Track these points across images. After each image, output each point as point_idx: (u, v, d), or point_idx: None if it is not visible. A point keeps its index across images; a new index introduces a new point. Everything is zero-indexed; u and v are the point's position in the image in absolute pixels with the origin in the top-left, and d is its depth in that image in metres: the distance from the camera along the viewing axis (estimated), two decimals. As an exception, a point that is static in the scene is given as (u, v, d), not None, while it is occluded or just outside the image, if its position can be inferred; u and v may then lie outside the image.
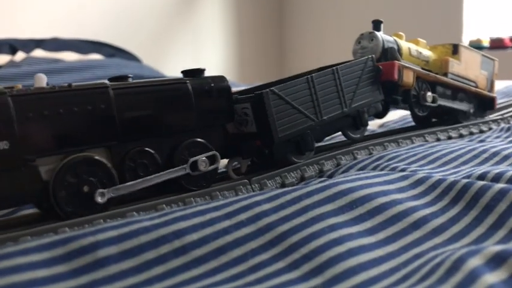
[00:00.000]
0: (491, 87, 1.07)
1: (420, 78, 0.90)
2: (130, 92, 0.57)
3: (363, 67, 0.78)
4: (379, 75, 0.81)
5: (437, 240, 0.48)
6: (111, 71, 1.92)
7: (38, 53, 2.02)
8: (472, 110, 1.01)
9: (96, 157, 0.53)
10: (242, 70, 3.26)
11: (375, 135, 0.91)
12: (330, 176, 0.69)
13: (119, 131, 0.55)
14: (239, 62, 3.31)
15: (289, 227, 0.48)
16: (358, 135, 0.81)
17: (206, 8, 3.13)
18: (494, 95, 1.07)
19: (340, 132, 0.80)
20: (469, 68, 1.00)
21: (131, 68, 2.05)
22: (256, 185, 0.64)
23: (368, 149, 0.79)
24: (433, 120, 1.02)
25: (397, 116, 1.19)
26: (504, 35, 2.59)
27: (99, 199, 0.52)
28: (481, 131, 0.98)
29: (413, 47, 0.93)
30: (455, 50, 0.98)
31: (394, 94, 0.86)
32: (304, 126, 0.69)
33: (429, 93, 0.90)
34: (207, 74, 0.65)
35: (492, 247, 0.39)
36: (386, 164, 0.69)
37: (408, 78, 0.86)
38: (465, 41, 2.60)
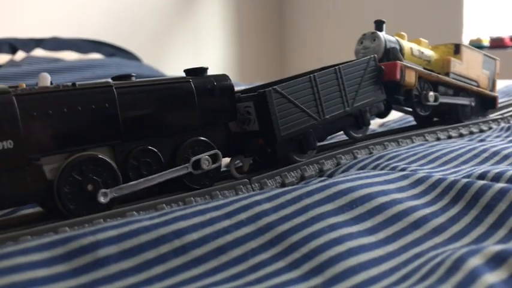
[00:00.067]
0: (492, 86, 1.07)
1: (422, 78, 0.90)
2: (134, 91, 0.57)
3: (365, 67, 0.78)
4: (382, 75, 0.81)
5: (437, 239, 0.48)
6: (111, 71, 1.92)
7: (38, 52, 2.02)
8: (473, 103, 1.00)
9: (100, 156, 0.53)
10: (242, 70, 3.26)
11: (375, 135, 0.91)
12: (330, 176, 0.69)
13: (122, 130, 0.55)
14: (239, 61, 3.31)
15: (289, 227, 0.48)
16: (360, 135, 0.81)
17: (206, 7, 3.13)
18: (496, 94, 1.07)
19: (340, 132, 0.81)
20: (470, 67, 1.01)
21: (131, 68, 2.05)
22: (256, 184, 0.64)
23: (368, 148, 0.79)
24: (435, 119, 1.02)
25: (397, 115, 1.19)
26: (504, 34, 2.58)
27: (102, 199, 0.52)
28: (481, 131, 0.98)
29: (415, 47, 0.93)
30: (457, 49, 0.99)
31: (396, 94, 0.86)
32: (306, 125, 0.69)
33: (431, 93, 0.90)
34: (208, 73, 0.65)
35: (492, 247, 0.39)
36: (386, 163, 0.69)
37: (410, 78, 0.86)
38: (465, 40, 2.60)
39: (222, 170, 0.66)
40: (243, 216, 0.48)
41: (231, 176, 0.66)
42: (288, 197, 0.52)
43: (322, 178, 0.66)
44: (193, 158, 0.60)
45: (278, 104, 0.65)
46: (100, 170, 0.53)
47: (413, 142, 0.85)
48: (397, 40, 0.90)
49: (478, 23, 2.70)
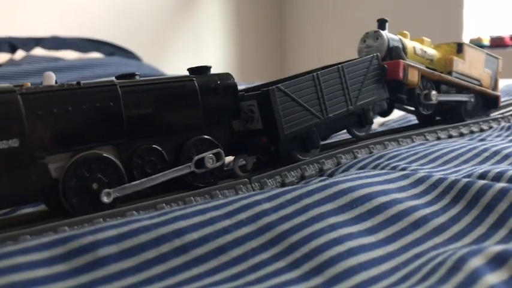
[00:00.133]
0: (495, 85, 1.07)
1: (425, 77, 0.90)
2: (138, 90, 0.57)
3: (368, 65, 0.79)
4: (384, 74, 0.81)
5: (437, 239, 0.48)
6: (110, 70, 1.92)
7: (38, 51, 2.01)
8: (472, 99, 1.00)
9: (105, 155, 0.54)
10: (242, 69, 3.26)
11: (376, 134, 0.91)
12: (330, 175, 0.69)
13: (126, 129, 0.55)
14: (239, 61, 3.30)
15: (289, 226, 0.48)
16: (363, 133, 0.81)
17: (206, 6, 3.13)
18: (498, 93, 1.07)
19: (340, 131, 0.80)
20: (473, 66, 1.01)
21: (131, 67, 2.05)
22: (256, 184, 0.64)
23: (368, 148, 0.79)
24: (437, 118, 1.02)
25: (398, 115, 1.19)
26: (504, 33, 2.58)
27: (105, 199, 0.53)
28: (482, 130, 0.97)
29: (418, 46, 0.93)
30: (459, 48, 0.99)
31: (399, 93, 0.86)
32: (309, 123, 0.69)
33: (434, 92, 0.90)
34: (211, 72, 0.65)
35: (493, 247, 0.39)
36: (386, 163, 0.69)
37: (413, 77, 0.86)
38: (465, 39, 2.60)
39: (225, 168, 0.66)
40: (243, 216, 0.48)
41: (234, 174, 0.67)
42: (288, 196, 0.52)
43: (323, 178, 0.66)
44: (196, 157, 0.60)
45: (281, 102, 0.65)
46: (105, 169, 0.53)
47: (413, 141, 0.85)
48: (400, 39, 0.90)
49: (478, 22, 2.70)
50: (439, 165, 0.70)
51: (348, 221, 0.49)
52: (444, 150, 0.75)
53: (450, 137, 0.91)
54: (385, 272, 0.42)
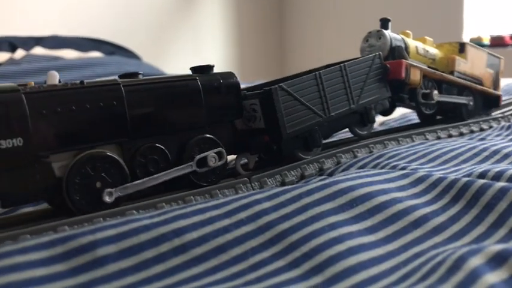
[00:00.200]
0: (496, 85, 1.07)
1: (427, 77, 0.90)
2: (141, 89, 0.57)
3: (370, 64, 0.79)
4: (387, 73, 0.82)
5: (437, 239, 0.48)
6: (110, 69, 1.92)
7: (38, 50, 2.01)
8: (471, 103, 1.00)
9: (109, 153, 0.54)
10: (242, 69, 3.25)
11: (376, 133, 0.91)
12: (330, 174, 0.69)
13: (130, 128, 0.55)
14: (239, 61, 3.30)
15: (289, 226, 0.47)
16: (365, 132, 0.81)
17: (206, 6, 3.12)
18: (500, 92, 1.07)
19: (342, 130, 0.81)
20: (475, 66, 1.01)
21: (131, 66, 2.05)
22: (256, 183, 0.64)
23: (368, 147, 0.79)
24: (438, 117, 1.02)
25: (398, 114, 1.19)
26: (504, 32, 2.58)
27: (107, 198, 0.53)
28: (482, 129, 0.97)
29: (420, 46, 0.93)
30: (461, 48, 0.99)
31: (400, 92, 0.86)
32: (312, 122, 0.69)
33: (435, 92, 0.90)
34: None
35: (493, 246, 0.39)
36: (386, 162, 0.69)
37: (415, 76, 0.86)
38: (466, 39, 2.60)
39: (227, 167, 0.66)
40: (243, 215, 0.48)
41: (237, 173, 0.67)
42: (288, 195, 0.52)
43: (322, 177, 0.66)
44: (198, 157, 0.60)
45: (284, 101, 0.65)
46: (108, 168, 0.53)
47: (413, 141, 0.85)
48: (403, 38, 0.90)
49: (479, 21, 2.70)
50: (439, 165, 0.70)
51: (348, 220, 0.49)
52: (444, 150, 0.74)
53: (450, 136, 0.91)
54: (385, 271, 0.42)
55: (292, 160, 0.69)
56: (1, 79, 1.60)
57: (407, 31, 0.94)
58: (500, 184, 0.54)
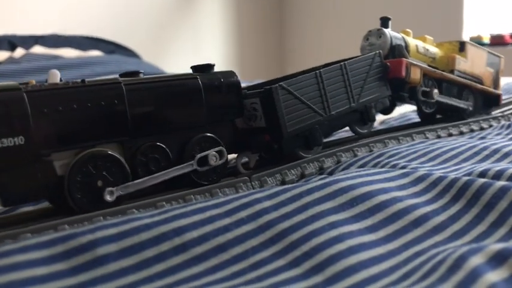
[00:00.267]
0: (497, 83, 1.07)
1: (427, 76, 0.90)
2: (142, 88, 0.57)
3: (370, 62, 0.79)
4: (387, 72, 0.82)
5: (438, 238, 0.48)
6: (110, 68, 1.92)
7: (37, 49, 2.01)
8: (471, 108, 1.00)
9: (110, 152, 0.54)
10: (242, 69, 3.25)
11: (376, 132, 0.91)
12: (330, 173, 0.69)
13: (131, 126, 0.55)
14: (239, 60, 3.30)
15: (289, 225, 0.47)
16: (366, 130, 0.81)
17: (206, 5, 3.12)
18: (500, 91, 1.07)
19: (343, 128, 0.81)
20: (475, 65, 1.01)
21: (131, 65, 2.05)
22: (256, 182, 0.64)
23: (368, 146, 0.79)
24: (438, 116, 1.02)
25: (398, 113, 1.19)
26: (504, 31, 2.58)
27: (108, 197, 0.53)
28: (482, 128, 0.97)
29: (420, 44, 0.93)
30: (461, 47, 0.99)
31: (401, 91, 0.86)
32: (312, 121, 0.69)
33: (436, 91, 0.90)
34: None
35: (493, 245, 0.39)
36: (386, 161, 0.69)
37: (415, 75, 0.86)
38: (466, 37, 2.59)
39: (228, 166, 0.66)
40: (243, 214, 0.48)
41: (237, 172, 0.67)
42: (289, 194, 0.52)
43: (323, 176, 0.66)
44: (198, 156, 0.60)
45: (284, 100, 0.65)
46: (110, 166, 0.54)
47: (413, 140, 0.85)
48: (403, 37, 0.90)
49: (478, 20, 2.69)
50: (439, 164, 0.70)
51: (348, 219, 0.49)
52: (444, 149, 0.74)
53: (450, 135, 0.91)
54: (385, 270, 0.42)
55: (293, 159, 0.69)
56: (0, 78, 1.60)
57: (408, 30, 0.94)
58: (501, 183, 0.54)
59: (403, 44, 0.89)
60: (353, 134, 0.84)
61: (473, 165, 0.67)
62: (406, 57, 0.86)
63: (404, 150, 0.74)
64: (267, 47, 3.48)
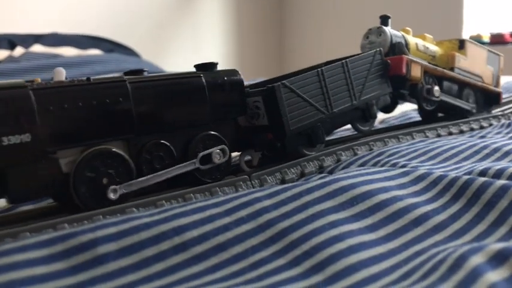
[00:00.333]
0: (497, 82, 1.07)
1: (427, 73, 0.90)
2: (147, 86, 0.57)
3: (371, 60, 0.79)
4: (387, 69, 0.82)
5: (438, 237, 0.48)
6: (110, 66, 1.92)
7: (37, 48, 2.01)
8: (474, 110, 1.01)
9: (115, 150, 0.54)
10: (242, 68, 3.23)
11: (376, 131, 0.91)
12: (330, 172, 0.69)
13: (136, 124, 0.56)
14: (238, 59, 3.30)
15: (289, 224, 0.47)
16: (367, 128, 0.82)
17: (206, 4, 3.12)
18: (500, 90, 1.08)
19: (344, 126, 0.81)
20: (475, 63, 1.01)
21: (130, 63, 2.04)
22: (256, 181, 0.64)
23: (368, 144, 0.79)
24: (440, 115, 1.02)
25: (398, 112, 1.19)
26: (504, 30, 2.58)
27: (112, 195, 0.53)
28: (482, 127, 0.97)
29: (420, 42, 0.93)
30: (461, 45, 0.99)
31: (402, 88, 0.86)
32: (315, 118, 0.69)
33: (436, 88, 0.91)
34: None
35: (494, 245, 0.39)
36: (386, 160, 0.69)
37: (416, 72, 0.86)
38: (465, 36, 2.59)
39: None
40: (243, 213, 0.48)
41: (241, 169, 0.67)
42: (289, 193, 0.52)
43: (323, 175, 0.66)
44: (201, 154, 0.60)
45: (287, 98, 0.65)
46: (115, 164, 0.54)
47: (413, 138, 0.85)
48: (403, 35, 0.90)
49: (478, 19, 2.69)
50: (439, 162, 0.70)
51: (349, 218, 0.49)
52: (444, 147, 0.74)
53: (450, 134, 0.91)
54: (386, 270, 0.42)
55: (296, 157, 0.69)
56: (0, 77, 1.59)
57: (407, 28, 0.94)
58: (501, 182, 0.54)
59: (403, 41, 0.89)
60: (353, 133, 0.83)
61: (474, 164, 0.67)
62: (406, 55, 0.86)
63: (404, 149, 0.74)
64: (267, 47, 3.48)
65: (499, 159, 0.71)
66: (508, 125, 0.96)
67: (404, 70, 0.84)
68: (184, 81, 0.61)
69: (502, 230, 0.48)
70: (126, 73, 0.59)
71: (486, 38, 2.54)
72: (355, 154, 0.75)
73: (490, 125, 0.99)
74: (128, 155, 0.55)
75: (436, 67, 0.92)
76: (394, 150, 0.73)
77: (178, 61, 2.81)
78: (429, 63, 0.93)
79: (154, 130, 0.58)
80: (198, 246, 0.44)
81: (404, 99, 0.91)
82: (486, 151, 0.73)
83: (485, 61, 1.04)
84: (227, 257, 0.44)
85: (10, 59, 1.90)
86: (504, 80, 1.48)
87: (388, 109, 0.92)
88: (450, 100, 0.95)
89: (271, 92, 0.64)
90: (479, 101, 1.03)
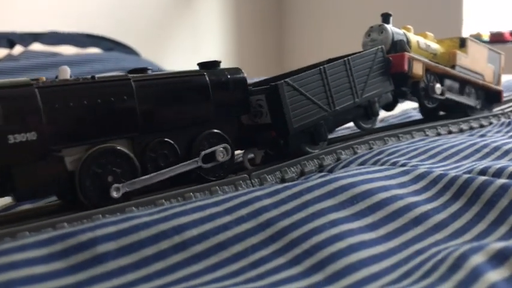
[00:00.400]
0: (498, 80, 1.07)
1: (429, 70, 0.90)
2: (151, 84, 0.58)
3: (373, 58, 0.79)
4: (389, 66, 0.82)
5: (438, 236, 0.48)
6: (109, 65, 1.91)
7: (36, 46, 2.01)
8: (478, 106, 1.01)
9: (120, 148, 0.54)
10: (241, 67, 3.24)
11: (376, 130, 0.91)
12: (330, 171, 0.69)
13: (140, 122, 0.56)
14: (238, 58, 3.29)
15: (289, 223, 0.47)
16: (369, 125, 0.82)
17: (205, 2, 3.11)
18: (501, 88, 1.07)
19: (347, 123, 0.81)
20: (476, 61, 1.01)
21: (130, 62, 2.04)
22: (256, 179, 0.64)
23: (368, 143, 0.78)
24: (442, 113, 1.02)
25: (398, 110, 1.19)
26: (504, 29, 2.58)
27: (115, 194, 0.53)
28: (481, 126, 0.97)
29: (421, 40, 0.93)
30: (462, 43, 0.99)
31: (403, 86, 0.86)
32: (317, 116, 0.70)
33: (438, 85, 0.91)
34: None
35: (494, 244, 0.39)
36: (386, 158, 0.69)
37: (418, 69, 0.87)
38: (465, 35, 2.59)
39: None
40: (243, 212, 0.48)
41: (244, 167, 0.67)
42: (289, 192, 0.52)
43: (323, 173, 0.66)
44: (203, 152, 0.61)
45: (290, 96, 0.65)
46: (120, 162, 0.54)
47: (413, 137, 0.85)
48: (404, 33, 0.90)
49: (478, 17, 2.69)
50: (439, 161, 0.70)
51: (349, 217, 0.49)
52: (444, 146, 0.74)
53: (450, 132, 0.91)
54: (386, 269, 0.42)
55: (299, 155, 0.69)
56: (-1, 75, 1.59)
57: (409, 26, 0.94)
58: (501, 181, 0.54)
59: (404, 39, 0.89)
60: (353, 131, 0.83)
61: (474, 163, 0.67)
62: (407, 52, 0.86)
63: (404, 147, 0.74)
64: (266, 46, 3.48)
65: (499, 158, 0.70)
66: (508, 124, 0.96)
67: (406, 67, 0.84)
68: (188, 80, 0.61)
69: (502, 229, 0.48)
70: (131, 71, 0.59)
71: (486, 37, 2.54)
72: (355, 153, 0.75)
73: (490, 123, 0.99)
74: (132, 153, 0.55)
75: (438, 64, 0.92)
76: (394, 149, 0.73)
77: (177, 60, 2.81)
78: (430, 61, 0.93)
79: (159, 128, 0.58)
80: (198, 245, 0.44)
81: (406, 97, 0.91)
82: (486, 150, 0.73)
83: (486, 59, 1.04)
84: (227, 256, 0.43)
85: (9, 57, 1.90)
86: (504, 78, 1.48)
87: (389, 107, 0.92)
88: (454, 97, 0.95)
89: (275, 90, 0.65)
90: (481, 99, 1.03)
